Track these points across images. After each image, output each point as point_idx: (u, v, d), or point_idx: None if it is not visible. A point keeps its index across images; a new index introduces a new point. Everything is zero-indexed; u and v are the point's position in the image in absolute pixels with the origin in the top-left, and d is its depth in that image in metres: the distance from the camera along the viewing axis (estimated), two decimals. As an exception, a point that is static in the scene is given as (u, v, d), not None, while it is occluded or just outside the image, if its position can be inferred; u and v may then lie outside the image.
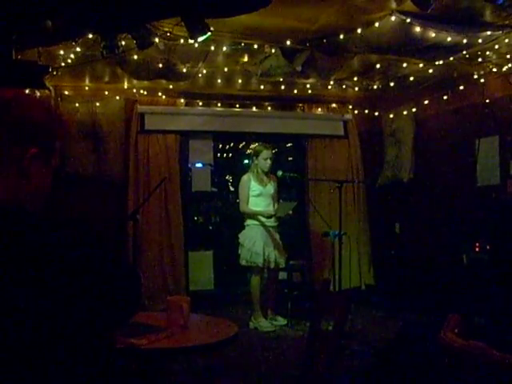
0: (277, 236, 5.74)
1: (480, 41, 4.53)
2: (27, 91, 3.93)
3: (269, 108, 7.02)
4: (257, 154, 5.75)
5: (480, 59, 5.12)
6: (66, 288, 1.09)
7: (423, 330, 2.40)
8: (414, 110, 6.72)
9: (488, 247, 4.89)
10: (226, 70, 5.51)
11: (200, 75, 5.59)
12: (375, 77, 5.83)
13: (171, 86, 6.26)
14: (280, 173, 5.83)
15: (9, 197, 1.17)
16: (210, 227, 8.02)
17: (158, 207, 6.46)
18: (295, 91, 6.55)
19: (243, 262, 5.68)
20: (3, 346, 1.04)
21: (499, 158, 5.67)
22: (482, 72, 5.53)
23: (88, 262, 1.15)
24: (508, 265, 2.29)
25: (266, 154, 5.68)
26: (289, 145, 7.99)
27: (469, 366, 2.02)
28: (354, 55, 4.98)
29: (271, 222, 5.69)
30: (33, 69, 3.94)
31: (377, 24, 4.23)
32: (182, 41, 4.42)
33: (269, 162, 5.69)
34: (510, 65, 5.23)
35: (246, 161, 7.73)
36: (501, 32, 4.36)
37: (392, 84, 5.96)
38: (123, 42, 4.30)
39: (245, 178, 5.78)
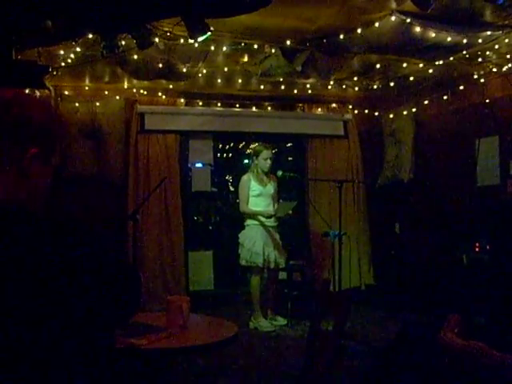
0: (277, 236, 5.74)
1: (480, 41, 4.54)
2: (27, 91, 3.93)
3: (269, 108, 7.02)
4: (257, 154, 5.74)
5: (480, 59, 5.12)
6: (66, 288, 1.09)
7: (423, 330, 2.39)
8: (413, 110, 6.72)
9: (488, 247, 4.89)
10: (225, 69, 5.52)
11: (200, 75, 5.59)
12: (375, 77, 5.83)
13: (171, 86, 6.26)
14: (280, 173, 5.83)
15: (9, 197, 1.17)
16: (210, 227, 8.02)
17: (158, 207, 6.46)
18: (295, 91, 6.56)
19: (243, 262, 5.68)
20: (3, 346, 1.04)
21: (499, 158, 5.67)
22: (482, 72, 5.53)
23: (88, 262, 1.15)
24: (508, 265, 2.29)
25: (265, 154, 5.68)
26: (289, 145, 7.99)
27: (469, 365, 2.02)
28: (354, 55, 4.98)
29: (271, 222, 5.69)
30: (33, 69, 3.93)
31: (377, 24, 4.23)
32: (182, 41, 4.42)
33: (269, 162, 5.69)
34: (510, 65, 5.24)
35: (246, 161, 7.73)
36: (501, 32, 4.37)
37: (392, 84, 5.96)
38: (123, 42, 4.31)
39: (245, 178, 5.78)
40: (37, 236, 1.11)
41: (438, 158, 6.49)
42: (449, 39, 4.39)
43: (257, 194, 5.71)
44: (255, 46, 4.79)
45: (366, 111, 7.15)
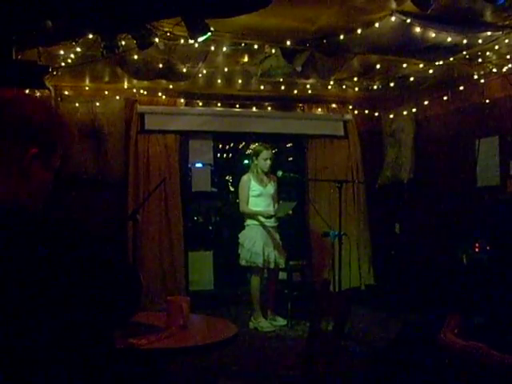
0: (277, 236, 5.74)
1: (480, 41, 4.54)
2: (27, 91, 3.93)
3: (269, 108, 7.02)
4: (257, 154, 5.74)
5: (480, 60, 5.12)
6: (65, 288, 1.09)
7: (423, 330, 2.40)
8: (414, 110, 6.72)
9: (488, 247, 4.88)
10: (226, 70, 5.51)
11: (200, 75, 5.59)
12: (375, 77, 5.83)
13: (171, 86, 6.26)
14: (280, 173, 5.83)
15: (9, 197, 1.17)
16: (210, 227, 8.02)
17: (158, 207, 6.46)
18: (295, 91, 6.56)
19: (243, 262, 5.68)
20: (4, 346, 1.04)
21: (499, 159, 5.67)
22: (482, 72, 5.53)
23: (88, 263, 1.15)
24: (508, 265, 2.29)
25: (265, 154, 5.68)
26: (289, 145, 7.99)
27: (469, 366, 2.02)
28: (354, 55, 4.98)
29: (271, 222, 5.69)
30: (33, 69, 3.94)
31: (377, 24, 4.22)
32: (182, 41, 4.42)
33: (269, 162, 5.69)
34: (510, 65, 5.24)
35: (246, 161, 7.72)
36: (501, 32, 4.37)
37: (392, 84, 5.96)
38: (123, 42, 4.31)
39: (245, 178, 5.78)
40: (37, 236, 1.11)
41: (438, 158, 6.49)
42: (449, 39, 4.39)
43: (257, 194, 5.71)
44: (255, 47, 4.79)
45: (366, 111, 7.15)
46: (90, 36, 4.14)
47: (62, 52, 4.67)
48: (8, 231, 1.08)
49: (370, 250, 7.16)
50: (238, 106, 6.91)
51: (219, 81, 5.98)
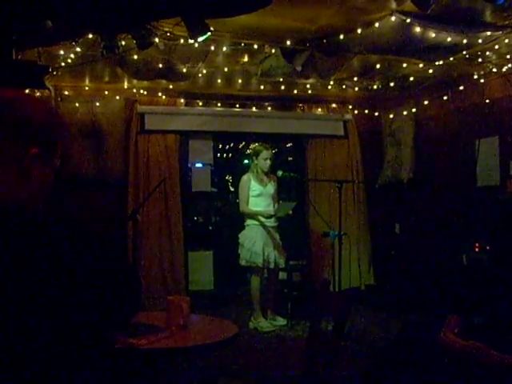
0: (277, 236, 5.74)
1: (480, 41, 4.53)
2: (27, 91, 3.93)
3: (269, 108, 7.02)
4: (256, 154, 5.75)
5: (480, 59, 5.12)
6: (66, 288, 1.09)
7: (423, 330, 2.40)
8: (413, 110, 6.72)
9: (488, 247, 4.89)
10: (226, 70, 5.51)
11: (200, 75, 5.59)
12: (375, 77, 5.83)
13: (171, 86, 6.26)
14: (280, 173, 5.83)
15: (9, 197, 1.17)
16: (210, 227, 8.02)
17: (158, 207, 6.46)
18: (295, 91, 6.56)
19: (243, 262, 5.68)
20: (3, 346, 1.04)
21: (499, 159, 5.67)
22: (482, 72, 5.53)
23: (88, 263, 1.14)
24: (508, 265, 2.29)
25: (265, 154, 5.69)
26: (289, 145, 7.99)
27: (468, 365, 2.02)
28: (354, 55, 4.98)
29: (271, 222, 5.69)
30: (33, 69, 3.93)
31: (377, 24, 4.22)
32: (182, 41, 4.42)
33: (268, 162, 5.69)
34: (509, 65, 5.23)
35: (246, 161, 7.73)
36: (501, 32, 4.36)
37: (392, 84, 5.96)
38: (123, 42, 4.30)
39: (245, 178, 5.78)
40: (37, 236, 1.10)
41: (437, 158, 6.49)
42: (449, 39, 4.39)
43: (257, 194, 5.71)
44: (255, 46, 4.78)
45: (366, 111, 7.15)
46: (90, 36, 4.14)
47: (61, 52, 4.67)
48: (8, 231, 1.08)
49: (370, 249, 7.16)
50: (237, 105, 6.91)
51: (219, 81, 5.98)
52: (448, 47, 4.56)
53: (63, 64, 4.92)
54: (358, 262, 7.01)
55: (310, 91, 6.52)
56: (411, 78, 5.76)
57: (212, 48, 4.71)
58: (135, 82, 5.92)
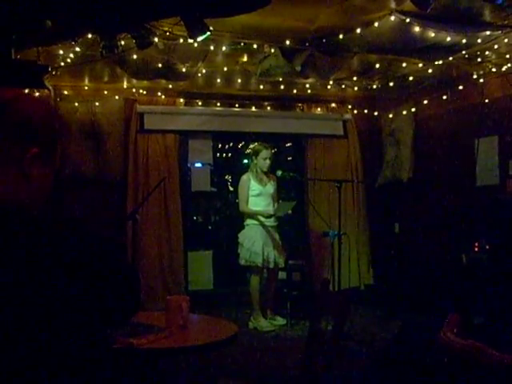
0: (276, 236, 5.74)
1: (479, 41, 4.54)
2: (27, 91, 3.93)
3: (268, 108, 7.02)
4: (256, 153, 5.75)
5: (479, 59, 5.12)
6: (65, 288, 1.09)
7: (423, 330, 2.40)
8: (413, 109, 6.72)
9: (487, 247, 4.89)
10: (225, 69, 5.51)
11: (199, 75, 5.59)
12: (375, 77, 5.83)
13: (170, 86, 6.26)
14: (279, 172, 5.83)
15: (9, 197, 1.17)
16: (210, 227, 8.02)
17: (158, 207, 6.46)
18: (294, 91, 6.56)
19: (242, 262, 5.68)
20: (2, 346, 1.04)
21: (498, 158, 5.67)
22: (481, 72, 5.53)
23: (88, 262, 1.14)
24: (507, 265, 2.29)
25: (265, 153, 5.69)
26: (288, 145, 7.98)
27: (468, 365, 2.02)
28: (354, 55, 4.98)
29: (271, 222, 5.69)
30: (32, 69, 3.93)
31: (376, 24, 4.22)
32: (181, 40, 4.42)
33: (268, 161, 5.69)
34: (509, 65, 5.24)
35: (246, 160, 7.72)
36: (500, 32, 4.37)
37: (391, 84, 5.96)
38: (123, 42, 4.30)
39: (244, 177, 5.78)
40: (37, 236, 1.10)
41: (437, 158, 6.49)
42: (448, 39, 4.39)
43: (256, 194, 5.71)
44: (255, 46, 4.79)
45: (366, 111, 7.14)
46: (90, 36, 4.14)
47: (61, 52, 4.67)
48: (8, 231, 1.08)
49: (370, 249, 7.16)
50: (237, 105, 6.91)
51: (219, 80, 5.98)
52: (447, 47, 4.57)
53: (63, 64, 4.92)
54: (357, 261, 7.00)
55: (309, 91, 6.52)
56: (411, 78, 5.76)
57: (211, 48, 4.71)
58: (135, 81, 5.93)
